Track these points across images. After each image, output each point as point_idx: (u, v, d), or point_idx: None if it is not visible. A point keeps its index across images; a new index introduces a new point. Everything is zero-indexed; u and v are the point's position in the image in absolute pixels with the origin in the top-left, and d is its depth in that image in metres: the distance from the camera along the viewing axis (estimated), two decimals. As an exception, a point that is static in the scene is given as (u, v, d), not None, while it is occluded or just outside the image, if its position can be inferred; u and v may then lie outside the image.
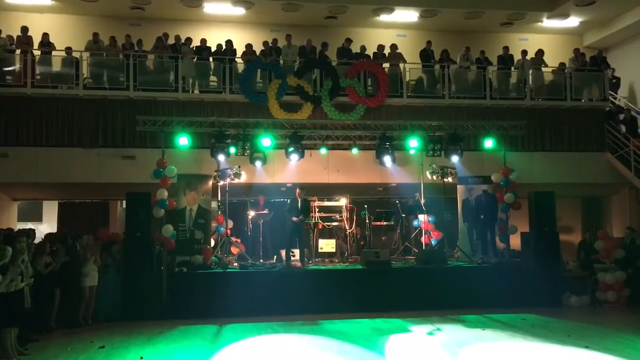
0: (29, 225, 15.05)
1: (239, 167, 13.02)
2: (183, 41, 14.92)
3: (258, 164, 12.97)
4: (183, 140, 12.18)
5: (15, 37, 14.22)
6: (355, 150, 13.42)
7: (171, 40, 14.89)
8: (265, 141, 12.43)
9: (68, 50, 14.04)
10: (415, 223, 14.45)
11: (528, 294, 11.75)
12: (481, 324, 10.19)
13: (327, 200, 14.28)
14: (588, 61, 16.36)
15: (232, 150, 12.40)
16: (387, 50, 15.67)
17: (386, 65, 15.21)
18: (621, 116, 15.96)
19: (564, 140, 15.48)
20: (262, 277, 11.63)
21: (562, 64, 16.14)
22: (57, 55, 14.12)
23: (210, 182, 13.12)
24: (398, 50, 15.74)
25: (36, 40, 14.23)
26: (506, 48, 16.08)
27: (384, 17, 16.61)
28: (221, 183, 13.12)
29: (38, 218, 17.92)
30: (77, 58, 13.96)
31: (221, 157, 12.53)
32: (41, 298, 9.18)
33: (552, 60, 16.19)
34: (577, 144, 15.51)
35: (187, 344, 8.90)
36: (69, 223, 15.96)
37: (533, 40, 17.52)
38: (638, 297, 12.13)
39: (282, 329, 9.90)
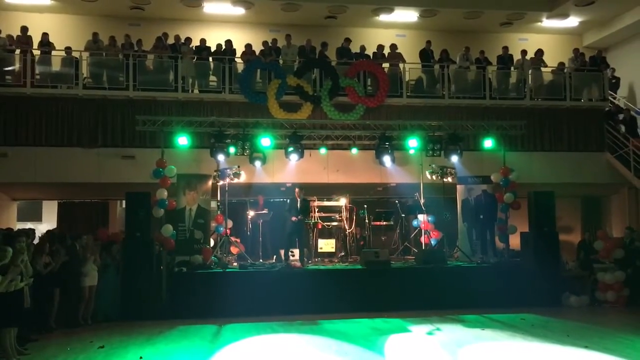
0: (29, 225, 15.07)
1: (239, 167, 13.02)
2: (183, 41, 14.93)
3: (257, 163, 12.97)
4: (182, 140, 12.17)
5: (14, 37, 14.21)
6: (354, 150, 13.42)
7: (171, 40, 14.90)
8: (265, 141, 12.43)
9: (67, 50, 14.04)
10: (414, 223, 14.45)
11: (527, 293, 11.74)
12: (480, 323, 10.19)
13: (326, 200, 14.29)
14: (587, 61, 16.37)
15: (232, 150, 12.40)
16: (386, 50, 15.67)
17: (386, 65, 15.22)
18: (621, 116, 15.98)
19: (563, 140, 15.49)
20: (261, 277, 11.62)
21: (561, 64, 16.14)
22: (57, 55, 14.11)
23: (210, 182, 13.12)
24: (398, 50, 15.75)
25: (36, 40, 14.23)
26: (506, 48, 16.08)
27: (383, 17, 16.61)
28: (221, 183, 13.12)
29: (37, 218, 17.94)
30: (76, 58, 13.96)
31: (221, 157, 12.52)
32: (41, 298, 9.17)
33: (551, 60, 16.19)
34: (576, 144, 15.52)
35: (186, 343, 8.90)
36: (69, 223, 15.98)
37: (532, 40, 17.52)
38: (637, 297, 12.13)
39: (282, 329, 9.90)
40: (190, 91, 14.45)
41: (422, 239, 14.11)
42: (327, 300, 11.28)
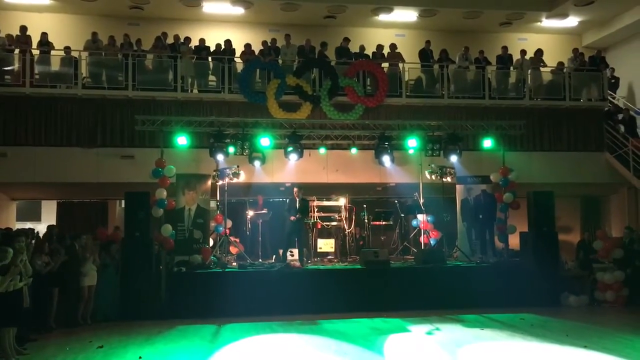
0: (28, 225, 15.05)
1: (238, 166, 13.01)
2: (182, 41, 14.93)
3: (257, 163, 12.96)
4: (182, 140, 12.17)
5: (14, 37, 14.20)
6: (354, 150, 13.42)
7: (170, 40, 14.89)
8: (264, 141, 12.42)
9: (67, 49, 14.02)
10: (414, 223, 14.44)
11: (527, 293, 11.74)
12: (480, 323, 10.19)
13: (326, 200, 14.28)
14: (587, 61, 16.38)
15: (231, 149, 12.39)
16: (386, 50, 15.67)
17: (385, 65, 15.23)
18: (620, 116, 15.98)
19: (562, 140, 15.50)
20: (261, 277, 11.62)
21: (560, 64, 16.14)
22: (56, 54, 14.10)
23: (209, 182, 13.12)
24: (397, 50, 15.75)
25: (35, 40, 14.22)
26: (505, 48, 16.08)
27: (383, 17, 16.61)
28: (220, 183, 13.11)
29: (37, 218, 17.91)
30: (75, 57, 13.95)
31: (220, 157, 12.52)
32: (40, 298, 9.18)
33: (551, 60, 16.19)
34: (576, 143, 15.53)
35: (185, 343, 8.90)
36: (68, 223, 15.97)
37: (532, 40, 17.52)
38: (636, 297, 12.13)
39: (281, 329, 9.90)
40: (189, 91, 14.44)
41: (422, 239, 14.11)
42: (326, 300, 11.28)
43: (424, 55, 15.65)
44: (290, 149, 12.67)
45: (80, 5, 15.53)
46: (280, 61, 14.84)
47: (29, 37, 14.25)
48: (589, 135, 15.59)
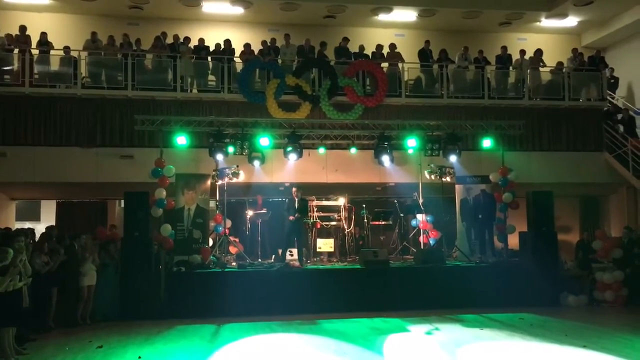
0: (27, 225, 15.04)
1: (237, 166, 13.00)
2: (181, 40, 14.93)
3: (256, 163, 12.95)
4: (181, 140, 12.16)
5: (13, 36, 14.19)
6: (353, 150, 13.42)
7: (169, 40, 14.89)
8: (264, 141, 12.42)
9: (66, 49, 14.01)
10: (413, 222, 14.44)
11: (526, 293, 11.75)
12: (479, 323, 10.19)
13: (325, 200, 14.29)
14: (586, 61, 16.39)
15: (231, 149, 12.38)
16: (385, 50, 15.68)
17: (385, 64, 15.23)
18: (619, 116, 15.98)
19: (562, 140, 15.51)
20: (260, 277, 11.62)
21: (560, 64, 16.15)
22: (55, 54, 14.09)
23: (209, 182, 13.12)
24: (396, 50, 15.76)
25: (34, 40, 14.22)
26: (504, 48, 16.09)
27: (382, 17, 16.61)
28: (219, 182, 13.12)
29: (36, 217, 17.91)
30: (75, 57, 13.94)
31: (219, 157, 12.51)
32: (39, 297, 9.17)
33: (550, 60, 16.21)
34: (575, 143, 15.54)
35: (185, 343, 8.90)
36: (67, 222, 15.97)
37: (531, 40, 17.53)
38: (636, 297, 12.14)
39: (281, 329, 9.90)
40: (189, 91, 14.44)
41: (421, 239, 14.11)
42: (325, 299, 11.27)
43: (424, 55, 15.66)
44: (289, 148, 12.66)
45: (79, 5, 15.53)
46: (279, 61, 14.85)
47: (29, 36, 14.24)
48: (588, 135, 15.60)
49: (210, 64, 14.75)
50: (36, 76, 13.82)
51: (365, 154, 13.64)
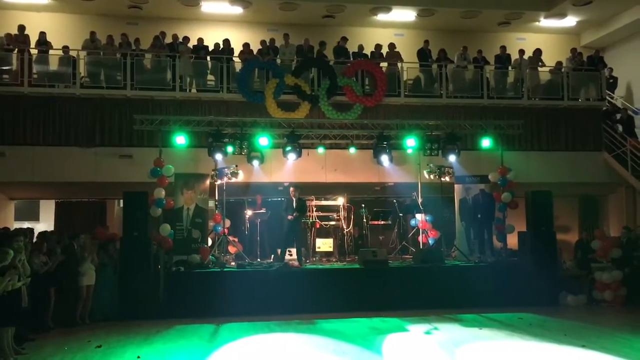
0: (26, 225, 15.01)
1: (236, 166, 13.00)
2: (180, 40, 14.92)
3: (255, 163, 12.93)
4: (180, 139, 12.17)
5: (12, 36, 14.18)
6: (352, 150, 13.42)
7: (168, 39, 14.90)
8: (263, 140, 12.42)
9: (65, 49, 14.00)
10: (412, 222, 14.44)
11: (525, 293, 11.75)
12: (478, 323, 10.20)
13: (324, 200, 14.28)
14: (585, 61, 16.41)
15: (230, 149, 12.38)
16: (384, 50, 15.68)
17: (384, 64, 15.23)
18: (618, 116, 16.00)
19: (561, 139, 15.52)
20: (259, 277, 11.61)
21: (559, 64, 16.16)
22: (54, 54, 14.09)
23: (208, 181, 13.11)
24: (395, 50, 15.76)
25: (33, 39, 14.21)
26: (503, 47, 16.10)
27: (381, 17, 16.62)
28: (218, 182, 13.12)
29: (35, 217, 17.89)
30: (74, 57, 13.93)
31: (218, 156, 12.50)
32: (38, 297, 9.17)
33: (549, 59, 16.22)
34: (574, 143, 15.55)
35: (184, 343, 8.90)
36: (66, 222, 15.94)
37: (530, 40, 17.55)
38: (635, 297, 12.14)
39: (279, 328, 9.90)
40: (188, 90, 14.44)
41: (420, 238, 14.11)
42: (324, 299, 11.27)
43: (423, 54, 15.66)
44: (288, 148, 12.66)
45: (78, 4, 15.52)
46: (278, 61, 14.85)
47: (27, 36, 14.23)
48: (587, 134, 15.61)
49: (209, 64, 14.75)
50: (35, 76, 13.81)
51: (365, 153, 13.65)
